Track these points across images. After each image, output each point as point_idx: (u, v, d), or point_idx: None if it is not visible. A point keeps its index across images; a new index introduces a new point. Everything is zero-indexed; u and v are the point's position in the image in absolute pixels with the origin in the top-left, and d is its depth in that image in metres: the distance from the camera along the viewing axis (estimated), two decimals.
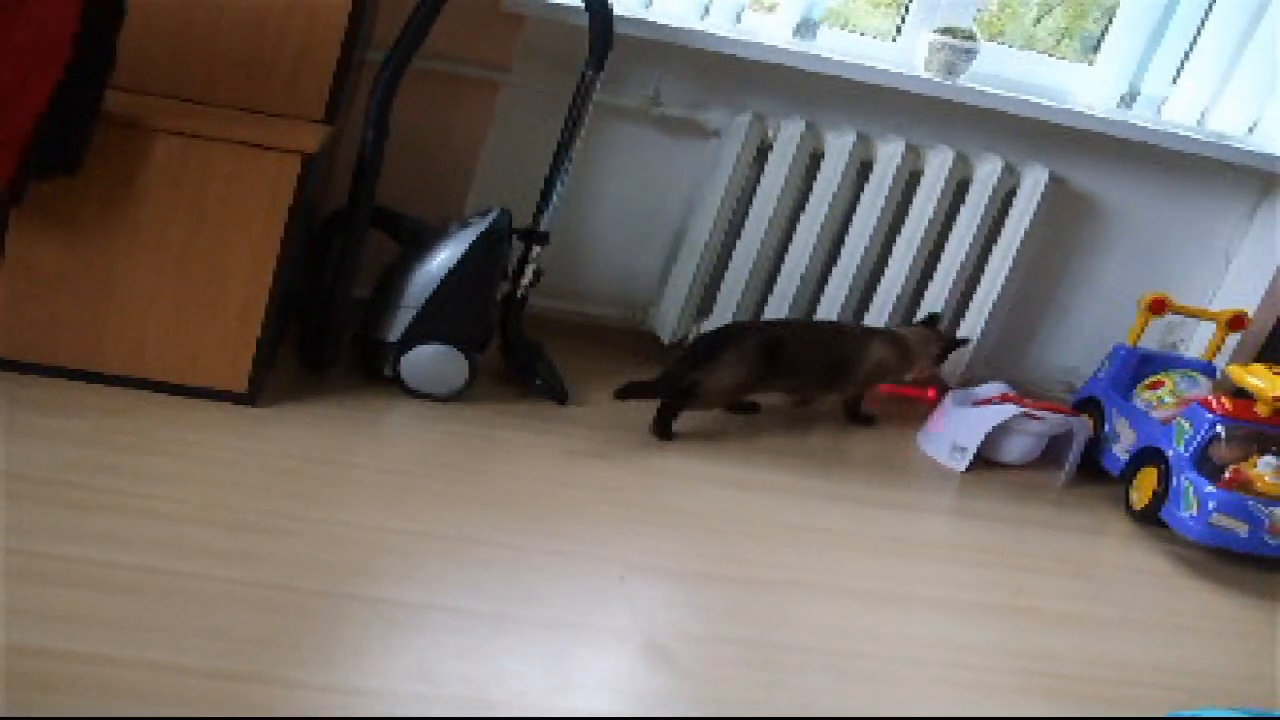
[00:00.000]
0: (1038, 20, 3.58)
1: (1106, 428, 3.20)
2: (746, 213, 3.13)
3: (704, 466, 2.72)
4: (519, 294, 2.83)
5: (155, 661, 1.69)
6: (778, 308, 3.21)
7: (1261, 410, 2.92)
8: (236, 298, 2.37)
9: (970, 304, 3.33)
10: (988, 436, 3.05)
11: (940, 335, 3.16)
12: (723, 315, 3.17)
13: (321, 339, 2.62)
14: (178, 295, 2.35)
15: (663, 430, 2.82)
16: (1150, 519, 2.94)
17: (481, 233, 2.65)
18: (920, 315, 3.25)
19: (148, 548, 1.93)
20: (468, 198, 3.07)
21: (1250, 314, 3.43)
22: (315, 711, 1.66)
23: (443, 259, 2.64)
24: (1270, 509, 2.80)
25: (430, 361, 2.65)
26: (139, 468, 2.15)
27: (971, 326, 3.33)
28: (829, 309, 3.23)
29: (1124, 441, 3.12)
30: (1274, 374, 2.93)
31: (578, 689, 1.86)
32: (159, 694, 1.62)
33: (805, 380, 3.04)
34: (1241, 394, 2.98)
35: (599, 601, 2.10)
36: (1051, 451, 3.20)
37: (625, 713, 1.83)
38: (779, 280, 3.20)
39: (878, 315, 3.25)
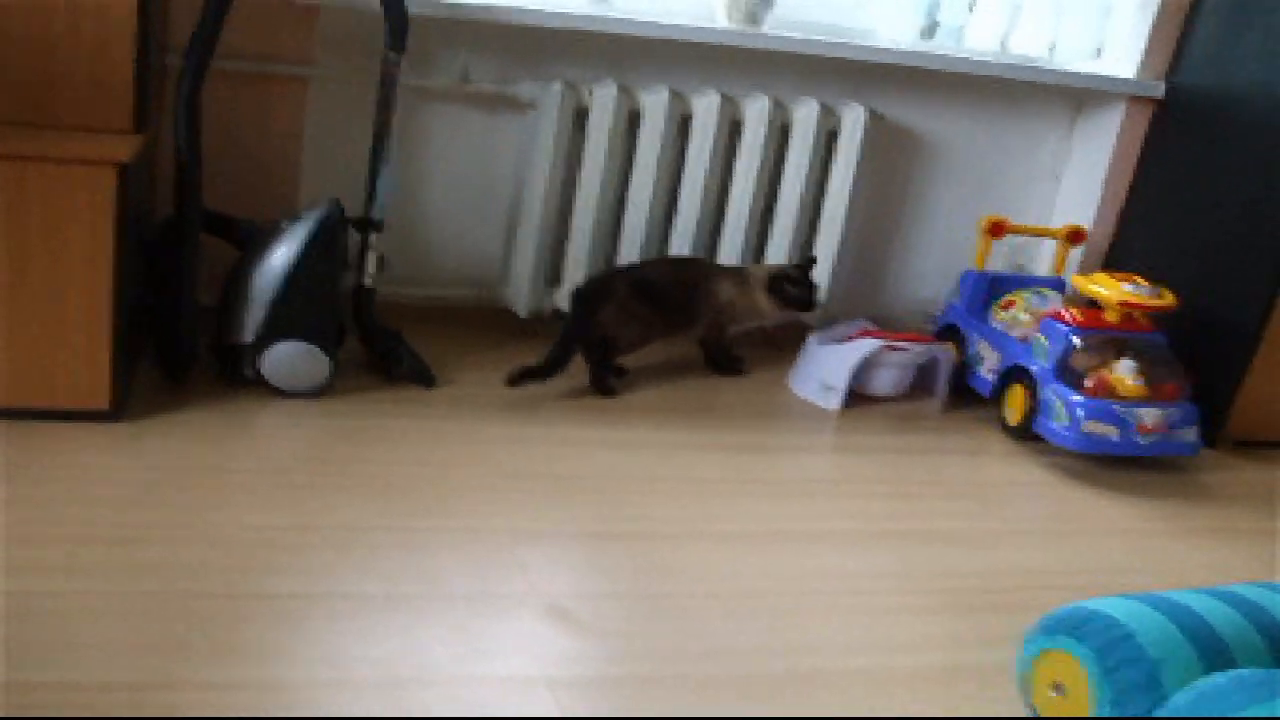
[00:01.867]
0: None
1: (970, 351, 3.23)
2: (576, 179, 3.09)
3: (580, 431, 2.68)
4: (366, 283, 2.77)
5: (53, 682, 1.61)
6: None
7: (1111, 317, 2.97)
8: (79, 315, 2.27)
9: (815, 246, 3.33)
10: (857, 372, 3.06)
11: (773, 269, 3.13)
12: (573, 281, 3.12)
13: (175, 347, 2.54)
14: (18, 319, 2.24)
15: (602, 387, 2.93)
16: (1025, 434, 2.98)
17: (314, 226, 2.59)
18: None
19: (30, 571, 1.84)
20: (299, 194, 2.98)
21: (1088, 227, 3.50)
22: (226, 710, 1.60)
23: (281, 256, 2.57)
24: (1136, 410, 2.85)
25: (289, 358, 2.58)
26: (12, 495, 2.05)
27: (820, 268, 3.32)
28: None
29: (989, 363, 3.16)
30: (1116, 281, 2.99)
31: (484, 656, 1.80)
32: (63, 713, 1.55)
33: (672, 317, 3.03)
34: (1091, 304, 3.04)
35: (493, 571, 2.05)
36: (921, 381, 3.23)
37: (538, 674, 1.79)
38: (621, 242, 3.17)
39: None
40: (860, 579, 2.24)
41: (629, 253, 3.16)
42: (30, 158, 2.18)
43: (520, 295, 3.14)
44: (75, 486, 2.13)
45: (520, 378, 2.79)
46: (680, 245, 3.20)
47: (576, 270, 3.13)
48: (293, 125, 2.95)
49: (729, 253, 3.24)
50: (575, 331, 2.88)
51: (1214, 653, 1.67)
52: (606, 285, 2.95)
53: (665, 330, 3.05)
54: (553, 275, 3.18)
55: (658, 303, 2.96)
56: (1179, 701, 1.58)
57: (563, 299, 3.15)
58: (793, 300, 3.07)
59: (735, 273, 3.11)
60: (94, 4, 2.25)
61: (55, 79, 2.28)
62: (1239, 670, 1.61)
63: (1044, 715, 1.78)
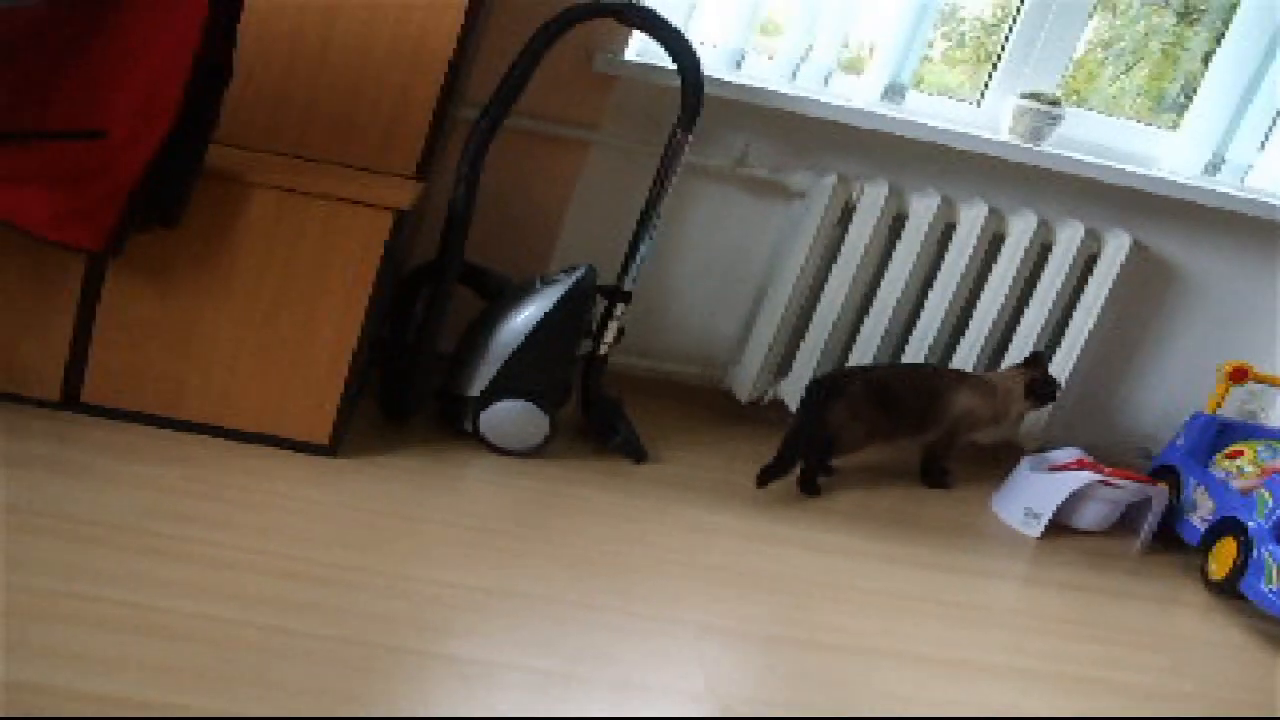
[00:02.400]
0: (1115, 79, 3.57)
1: (1184, 496, 3.18)
2: (828, 274, 3.14)
3: (779, 528, 2.72)
4: (601, 351, 2.85)
5: (221, 709, 1.71)
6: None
7: None
8: (323, 350, 2.41)
9: (1051, 368, 3.32)
10: (1063, 502, 3.04)
11: (1029, 373, 3.13)
12: (801, 374, 3.17)
13: (404, 391, 2.65)
14: (265, 346, 2.39)
15: (809, 488, 2.94)
16: (1229, 591, 2.90)
17: (566, 290, 2.67)
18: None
19: (219, 597, 1.95)
20: (553, 255, 3.09)
21: None
22: None
23: (527, 315, 2.66)
24: None
25: (510, 417, 2.67)
26: (216, 516, 2.18)
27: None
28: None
29: (1202, 511, 3.10)
30: None
31: None
32: None
33: (903, 423, 3.03)
34: None
35: (671, 663, 2.10)
36: (1127, 519, 3.18)
37: None
38: (857, 342, 3.21)
39: None
40: None
41: (863, 353, 3.20)
42: (314, 194, 2.32)
43: (745, 380, 3.20)
44: (277, 515, 2.25)
45: (767, 478, 2.83)
46: (916, 352, 3.23)
47: (807, 364, 3.18)
48: (565, 187, 3.06)
49: (961, 364, 3.25)
50: (805, 425, 2.91)
51: None
52: (842, 382, 2.95)
53: (891, 435, 3.05)
54: (783, 365, 3.23)
55: (890, 406, 2.98)
56: None
57: (786, 390, 3.19)
58: (1042, 396, 3.12)
59: (978, 381, 3.11)
60: (410, 50, 2.38)
61: (356, 122, 2.41)
62: None
63: None
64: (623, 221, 2.88)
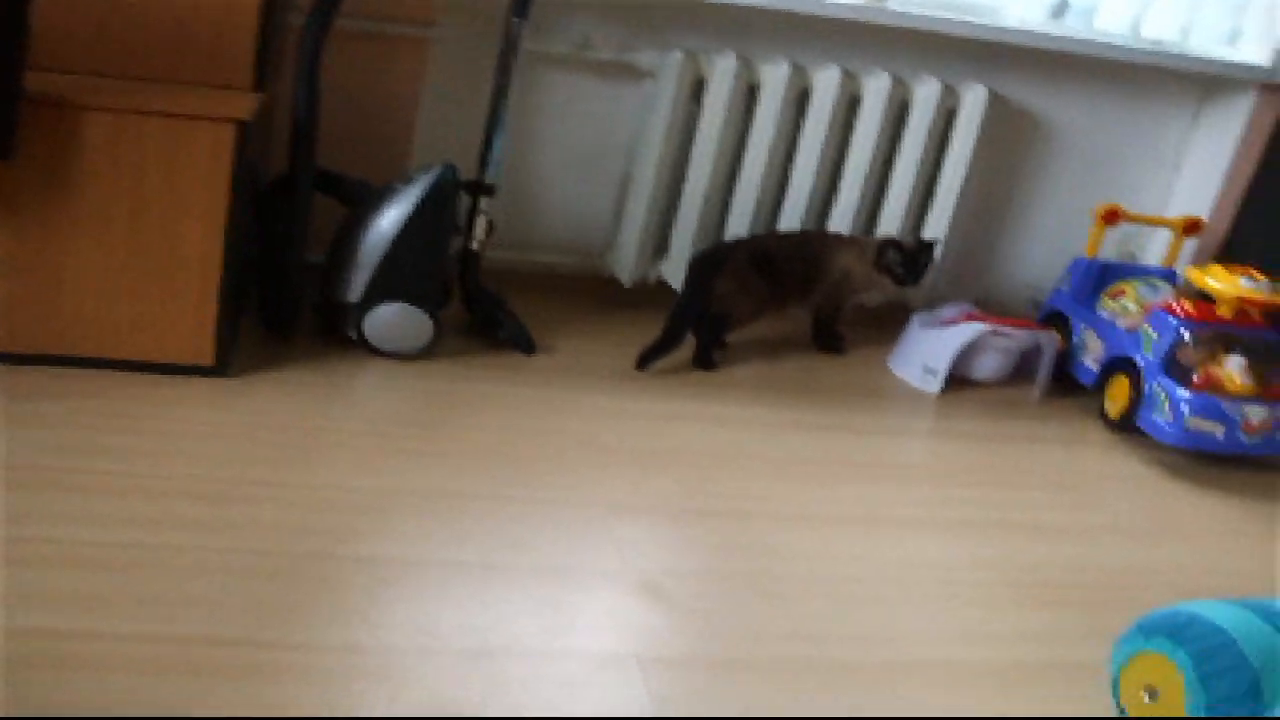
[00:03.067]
0: None
1: (1074, 340, 3.21)
2: (690, 149, 3.11)
3: (678, 406, 2.71)
4: (474, 247, 2.80)
5: (151, 634, 1.65)
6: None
7: (1223, 311, 2.94)
8: (191, 271, 2.33)
9: (925, 225, 3.33)
10: (958, 356, 3.06)
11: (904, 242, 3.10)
12: (680, 252, 3.15)
13: (281, 305, 2.60)
14: (131, 273, 2.30)
15: (705, 363, 2.96)
16: (1126, 427, 2.96)
17: (427, 189, 2.62)
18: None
19: (133, 524, 1.89)
20: (411, 156, 3.03)
21: (1205, 218, 3.46)
22: (318, 671, 1.65)
23: (392, 218, 2.61)
24: (1243, 408, 2.82)
25: (393, 320, 2.63)
26: (116, 447, 2.11)
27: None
28: None
29: (1093, 352, 3.14)
30: (1232, 275, 2.95)
31: (575, 631, 1.83)
32: (157, 664, 1.59)
33: (789, 290, 3.04)
34: (1203, 297, 3.00)
35: (586, 544, 2.08)
36: (1023, 367, 3.22)
37: (628, 650, 1.82)
38: (730, 215, 3.19)
39: None
40: (953, 568, 2.25)
41: (738, 226, 3.18)
42: (151, 112, 2.23)
43: (625, 264, 3.17)
44: (177, 440, 2.19)
45: (647, 359, 2.83)
46: (790, 220, 3.22)
47: (684, 242, 3.15)
48: (410, 86, 2.99)
49: (839, 228, 3.24)
50: (690, 301, 2.90)
51: None
52: (723, 254, 2.96)
53: (779, 302, 3.06)
54: (660, 246, 3.20)
55: (774, 273, 2.98)
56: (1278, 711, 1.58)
57: (668, 270, 3.17)
58: (888, 269, 3.06)
59: (854, 243, 3.11)
60: None
61: (180, 36, 2.32)
62: None
63: (1134, 718, 1.79)
64: (475, 117, 2.86)
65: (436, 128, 3.03)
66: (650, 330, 2.90)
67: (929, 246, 3.09)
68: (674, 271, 3.16)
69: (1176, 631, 1.74)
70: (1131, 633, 1.81)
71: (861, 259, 3.08)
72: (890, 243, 3.05)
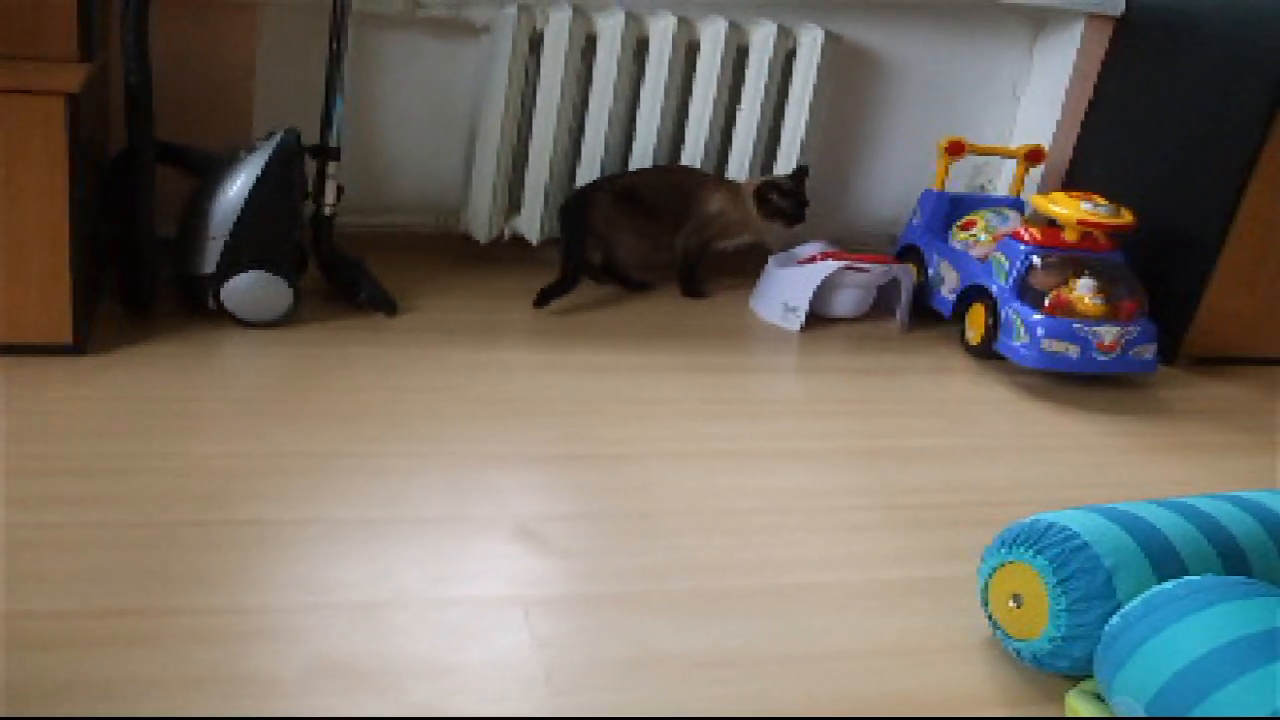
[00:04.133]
0: None
1: (930, 272, 3.30)
2: (533, 103, 3.12)
3: (545, 356, 2.73)
4: (325, 212, 2.80)
5: (33, 611, 1.64)
6: None
7: (1070, 236, 3.04)
8: (37, 249, 2.28)
9: (774, 168, 3.38)
10: (818, 293, 3.12)
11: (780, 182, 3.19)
12: (533, 206, 3.17)
13: (136, 280, 2.58)
14: None
15: (632, 284, 3.20)
16: (986, 352, 3.05)
17: (271, 155, 2.60)
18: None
19: (6, 504, 1.87)
20: (253, 123, 3.00)
21: (1047, 146, 3.56)
22: (205, 634, 1.66)
23: (239, 186, 2.59)
24: (1095, 328, 2.92)
25: (250, 289, 2.62)
26: None
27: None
28: None
29: (949, 283, 3.23)
30: (1074, 200, 3.05)
31: (458, 579, 1.85)
32: (42, 640, 1.59)
33: (662, 223, 3.14)
34: (1050, 223, 3.10)
35: (462, 495, 2.09)
36: (883, 302, 3.30)
37: (511, 595, 1.86)
38: (580, 165, 3.21)
39: None
40: (827, 496, 2.31)
41: (588, 177, 3.20)
42: None
43: (480, 221, 3.18)
44: (42, 419, 2.16)
45: (546, 297, 2.95)
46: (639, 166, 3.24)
47: (536, 196, 3.17)
48: (245, 53, 2.96)
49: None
50: (570, 243, 3.01)
51: (1166, 561, 1.75)
52: (591, 193, 3.06)
53: (657, 235, 3.15)
54: (513, 201, 3.22)
55: (646, 207, 3.07)
56: (1132, 609, 1.67)
57: (523, 224, 3.20)
58: (776, 211, 3.15)
59: (728, 186, 3.18)
60: None
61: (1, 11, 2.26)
62: (1189, 577, 1.69)
63: (1003, 625, 1.87)
64: (313, 80, 2.83)
65: (275, 94, 3.01)
66: (509, 285, 2.95)
67: (801, 175, 3.20)
68: (529, 225, 3.19)
69: (1034, 540, 1.81)
70: (994, 545, 1.89)
71: (736, 203, 3.14)
72: (769, 185, 3.14)
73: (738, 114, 3.30)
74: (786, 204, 3.16)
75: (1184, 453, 2.77)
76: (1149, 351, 3.02)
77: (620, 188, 3.08)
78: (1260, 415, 3.11)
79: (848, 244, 3.49)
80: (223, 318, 2.63)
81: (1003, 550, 1.86)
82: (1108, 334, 2.92)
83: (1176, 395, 3.14)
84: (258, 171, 2.60)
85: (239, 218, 2.58)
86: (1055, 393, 2.98)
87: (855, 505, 2.28)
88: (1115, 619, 1.69)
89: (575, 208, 3.05)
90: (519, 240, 3.23)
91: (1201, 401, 3.14)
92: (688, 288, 3.24)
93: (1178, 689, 1.56)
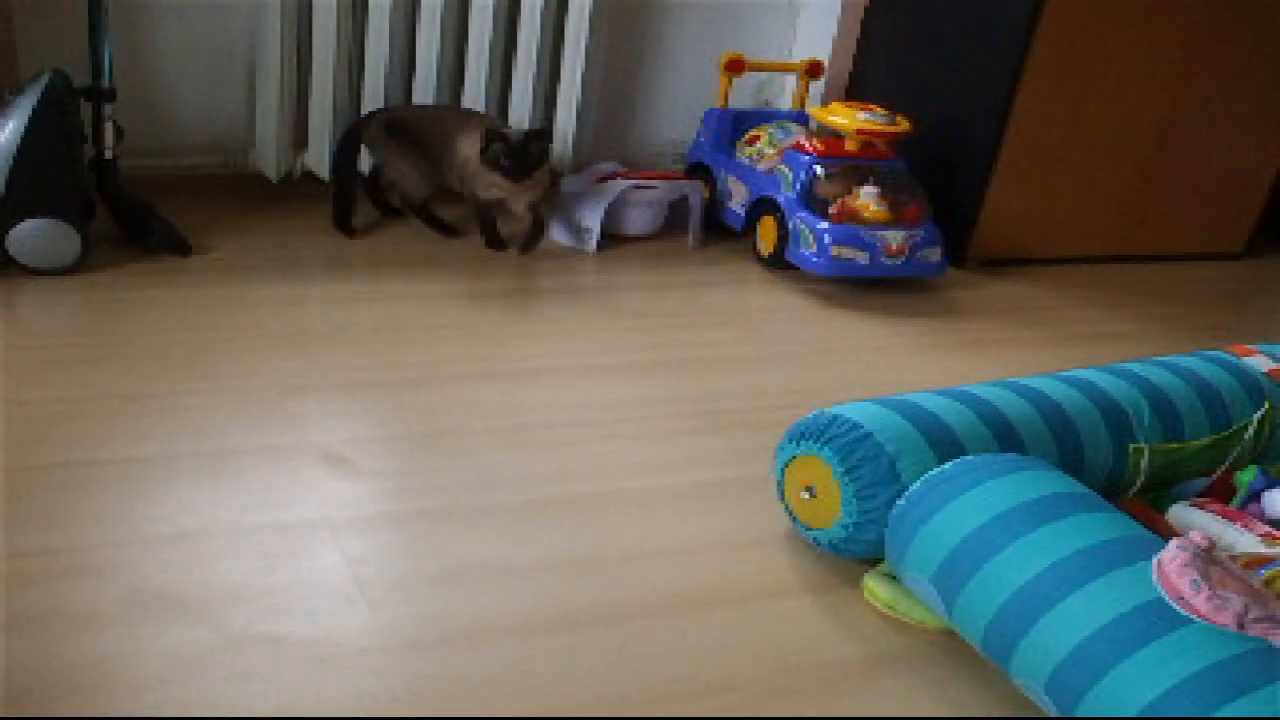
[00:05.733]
0: None
1: (720, 188, 3.41)
2: (310, 34, 3.11)
3: (342, 288, 2.77)
4: (106, 154, 2.77)
5: None
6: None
7: (851, 145, 3.17)
8: None
9: (558, 92, 3.43)
10: (610, 213, 3.20)
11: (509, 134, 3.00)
12: (320, 141, 3.19)
13: None
14: None
15: (346, 227, 3.12)
16: (778, 263, 3.18)
17: (39, 98, 2.57)
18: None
19: None
20: (16, 66, 2.96)
21: (826, 59, 3.68)
22: (17, 577, 1.68)
23: (9, 132, 2.55)
24: (881, 234, 3.06)
25: (36, 236, 2.60)
26: None
27: (564, 115, 3.43)
28: None
29: (738, 197, 3.34)
30: (852, 110, 3.18)
31: (266, 505, 1.89)
32: None
33: (432, 160, 3.12)
34: (832, 134, 3.23)
35: (265, 426, 2.13)
36: (677, 220, 3.40)
37: (319, 517, 1.91)
38: (364, 98, 3.22)
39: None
40: (628, 407, 2.40)
41: (372, 104, 3.21)
42: None
43: (268, 159, 3.18)
44: None
45: (341, 223, 3.11)
46: (424, 98, 3.27)
47: (322, 130, 3.17)
48: None
49: (474, 104, 3.31)
50: (340, 163, 3.08)
51: (945, 444, 1.88)
52: (363, 120, 3.10)
53: (430, 168, 3.14)
54: (299, 137, 3.23)
55: (414, 141, 3.09)
56: (913, 491, 1.79)
57: (313, 160, 3.21)
58: (494, 162, 2.99)
59: (477, 128, 3.08)
60: None
61: None
62: (966, 458, 1.82)
63: (800, 516, 1.98)
64: (77, 21, 2.79)
65: (39, 35, 2.97)
66: (303, 222, 3.00)
67: (539, 135, 3.03)
68: (318, 161, 3.20)
69: (820, 432, 1.93)
70: (785, 441, 2.00)
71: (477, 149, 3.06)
72: (494, 134, 2.99)
73: (518, 42, 3.33)
74: (506, 159, 2.97)
75: (972, 349, 2.93)
76: (935, 254, 3.17)
77: (390, 118, 3.10)
78: (1045, 311, 3.29)
79: (639, 165, 3.57)
80: (12, 268, 2.61)
81: (793, 445, 1.97)
82: (894, 239, 3.06)
83: (965, 296, 3.30)
84: (28, 115, 2.56)
85: (13, 165, 2.55)
86: (848, 298, 3.12)
87: (657, 414, 2.38)
88: (900, 501, 1.81)
89: (348, 131, 3.08)
90: (311, 177, 3.24)
91: (989, 301, 3.30)
92: (485, 238, 3.17)
93: (958, 560, 1.69)
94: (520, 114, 3.35)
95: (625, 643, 1.72)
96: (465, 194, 3.15)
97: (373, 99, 3.20)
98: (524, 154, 2.98)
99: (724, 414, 2.42)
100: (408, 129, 3.10)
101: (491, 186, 3.05)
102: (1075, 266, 3.71)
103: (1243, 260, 4.13)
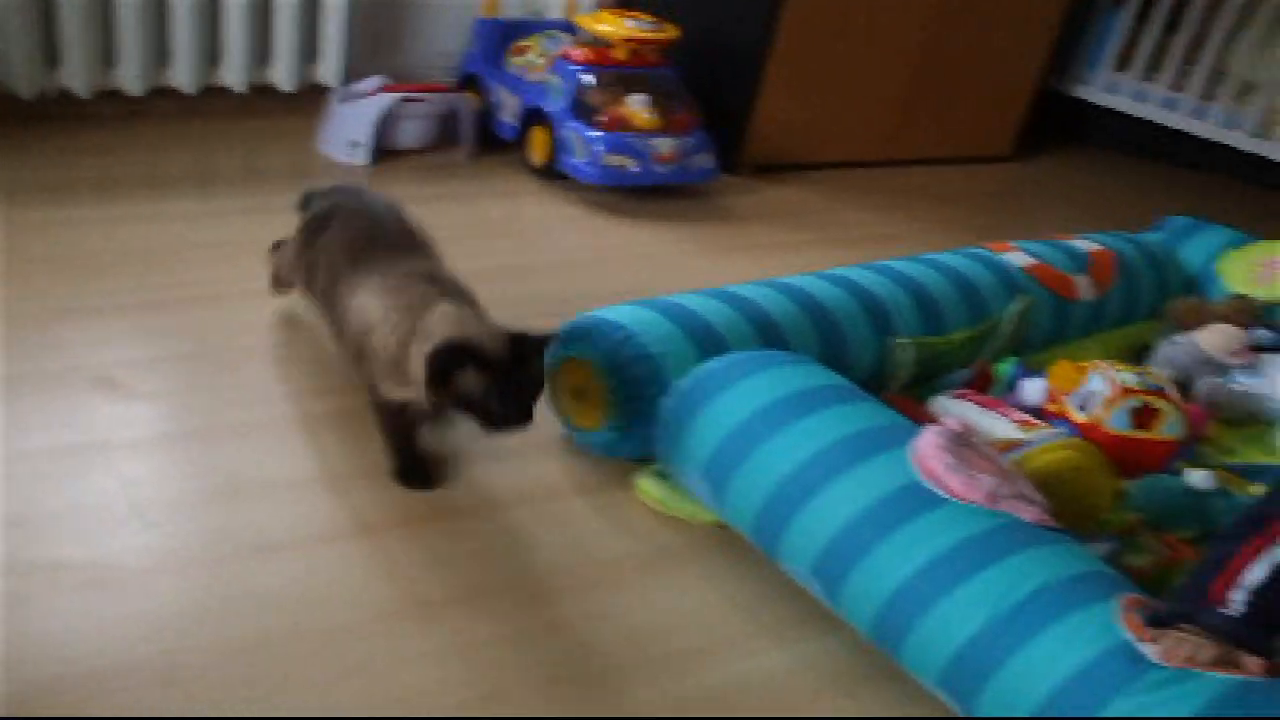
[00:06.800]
0: None
1: (491, 99, 3.42)
2: None
3: (110, 210, 2.72)
4: None
5: None
6: (125, 43, 3.12)
7: (619, 54, 3.21)
8: None
9: (325, 4, 3.34)
10: (381, 127, 3.20)
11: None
12: (75, 56, 3.06)
13: None
14: None
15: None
16: (551, 173, 3.22)
17: None
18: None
19: None
20: None
21: None
22: None
23: None
24: (651, 141, 3.12)
25: None
26: None
27: (333, 29, 3.36)
28: (181, 32, 3.17)
29: (509, 108, 3.35)
30: (618, 17, 3.22)
31: (35, 430, 1.89)
32: None
33: (325, 283, 2.02)
34: (602, 43, 3.26)
35: (31, 352, 2.10)
36: (448, 132, 3.40)
37: (92, 440, 1.91)
38: (117, 11, 3.07)
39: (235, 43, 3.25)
40: None
41: (127, 19, 3.08)
42: None
43: (19, 77, 3.06)
44: None
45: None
46: (178, 20, 3.15)
47: (73, 43, 3.04)
48: None
49: (233, 18, 3.23)
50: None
51: (709, 342, 1.95)
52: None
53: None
54: (50, 51, 3.10)
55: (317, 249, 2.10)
56: (678, 386, 1.86)
57: (69, 76, 3.09)
58: (465, 399, 1.75)
59: (416, 281, 1.93)
60: None
61: None
62: (730, 354, 1.90)
63: (571, 420, 2.04)
64: None
65: None
66: (65, 142, 2.94)
67: (537, 343, 1.80)
68: (74, 77, 3.10)
69: (584, 336, 1.98)
70: (553, 345, 2.03)
71: (407, 316, 1.95)
72: (460, 351, 1.71)
73: None
74: (496, 398, 1.74)
75: (745, 253, 3.02)
76: (707, 160, 3.24)
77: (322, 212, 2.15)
78: (817, 215, 3.40)
79: (412, 77, 3.56)
80: None
81: (560, 349, 2.02)
82: (664, 146, 3.12)
83: (738, 201, 3.38)
84: None
85: None
86: (622, 206, 3.17)
87: None
88: (667, 399, 1.88)
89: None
90: (68, 95, 3.15)
91: (762, 206, 3.40)
92: (394, 464, 1.95)
93: (726, 451, 1.77)
94: (282, 28, 3.29)
95: (400, 551, 1.76)
96: (359, 377, 1.96)
97: (126, 9, 3.06)
98: (521, 384, 1.78)
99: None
100: (325, 225, 2.11)
101: (409, 385, 1.82)
102: (848, 170, 3.82)
103: (1012, 162, 4.30)
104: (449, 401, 1.75)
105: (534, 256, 2.82)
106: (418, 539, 1.80)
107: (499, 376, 1.73)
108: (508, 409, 1.75)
